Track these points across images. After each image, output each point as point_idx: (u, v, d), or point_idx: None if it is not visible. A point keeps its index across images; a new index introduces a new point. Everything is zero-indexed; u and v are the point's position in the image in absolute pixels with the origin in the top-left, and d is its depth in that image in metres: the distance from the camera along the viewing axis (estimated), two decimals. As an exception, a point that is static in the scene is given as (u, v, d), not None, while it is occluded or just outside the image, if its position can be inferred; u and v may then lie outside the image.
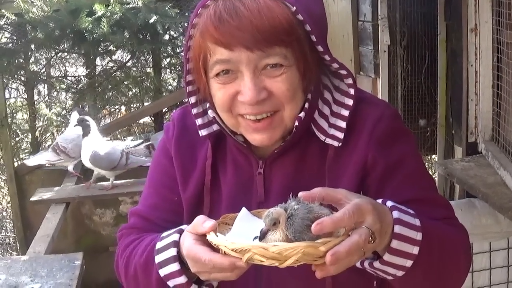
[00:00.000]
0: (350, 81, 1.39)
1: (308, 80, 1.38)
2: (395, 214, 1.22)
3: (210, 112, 1.43)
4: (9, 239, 7.05)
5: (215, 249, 1.22)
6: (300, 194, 1.18)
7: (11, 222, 6.70)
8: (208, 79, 1.37)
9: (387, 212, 1.22)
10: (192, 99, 1.45)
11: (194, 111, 1.45)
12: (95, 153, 4.81)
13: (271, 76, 1.31)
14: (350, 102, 1.40)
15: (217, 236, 1.21)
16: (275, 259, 1.11)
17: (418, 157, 1.46)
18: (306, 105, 1.38)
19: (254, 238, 1.21)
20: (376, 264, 1.24)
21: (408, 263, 1.22)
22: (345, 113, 1.40)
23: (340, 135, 1.39)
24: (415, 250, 1.22)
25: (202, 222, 1.25)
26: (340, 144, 1.39)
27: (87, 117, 4.99)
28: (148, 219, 1.53)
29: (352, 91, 1.40)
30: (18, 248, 6.12)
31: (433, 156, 4.54)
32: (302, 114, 1.37)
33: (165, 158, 1.55)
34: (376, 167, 1.38)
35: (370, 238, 1.13)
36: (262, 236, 1.17)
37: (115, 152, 4.97)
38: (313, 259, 1.12)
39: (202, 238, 1.26)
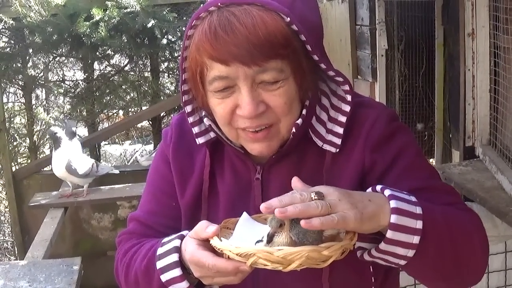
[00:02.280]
0: (346, 87, 1.39)
1: (305, 89, 1.38)
2: (387, 191, 1.23)
3: (205, 120, 1.43)
4: (7, 244, 7.03)
5: (218, 253, 1.23)
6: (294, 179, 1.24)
7: (9, 226, 6.69)
8: (206, 92, 1.37)
9: (368, 192, 1.26)
10: (188, 108, 1.45)
11: (190, 119, 1.46)
12: (70, 163, 4.85)
13: (268, 90, 1.32)
14: (347, 108, 1.40)
15: (221, 240, 1.22)
16: (279, 263, 1.12)
17: (416, 148, 1.45)
18: (304, 112, 1.39)
19: (256, 242, 1.23)
20: (382, 245, 1.22)
21: (415, 239, 1.20)
22: (342, 119, 1.40)
23: (338, 141, 1.39)
24: (418, 224, 1.20)
25: (205, 227, 1.26)
26: (337, 150, 1.40)
27: (57, 129, 5.02)
28: (147, 224, 1.54)
29: (349, 97, 1.39)
30: (16, 252, 6.12)
31: (431, 160, 4.55)
32: (299, 121, 1.37)
33: (163, 164, 1.56)
34: (374, 168, 1.38)
35: (313, 194, 1.16)
36: (270, 239, 1.19)
37: (88, 161, 5.05)
38: (316, 263, 1.14)
39: (204, 243, 1.27)
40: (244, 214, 1.34)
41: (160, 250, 1.37)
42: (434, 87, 4.21)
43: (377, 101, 1.92)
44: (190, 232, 1.31)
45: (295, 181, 1.25)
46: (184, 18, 5.89)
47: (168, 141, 1.55)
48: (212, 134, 1.46)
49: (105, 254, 5.59)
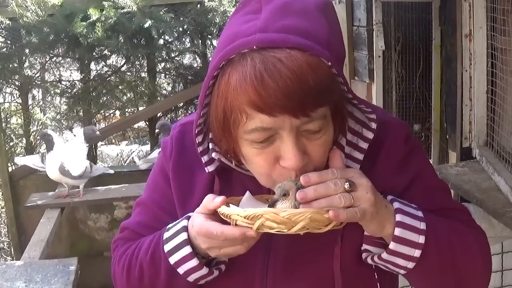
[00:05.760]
0: (373, 116, 1.33)
1: (343, 129, 1.35)
2: (396, 204, 1.26)
3: (214, 154, 1.37)
4: (3, 244, 7.03)
5: (225, 223, 1.25)
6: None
7: (6, 227, 6.69)
8: (238, 138, 1.27)
9: (386, 199, 1.27)
10: (199, 138, 1.38)
11: (200, 149, 1.39)
12: (63, 164, 4.86)
13: (311, 139, 1.24)
14: (370, 135, 1.35)
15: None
16: (284, 224, 1.16)
17: (431, 169, 1.46)
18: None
19: None
20: (384, 255, 1.27)
21: (416, 252, 1.25)
22: (364, 145, 1.36)
23: (357, 166, 1.36)
24: (420, 239, 1.24)
25: (212, 199, 1.27)
26: None
27: (50, 132, 5.04)
28: (141, 234, 1.51)
29: (373, 125, 1.34)
30: (13, 253, 6.11)
31: (428, 161, 4.55)
32: None
33: (162, 180, 1.51)
34: (394, 191, 1.37)
35: (347, 184, 1.18)
36: (272, 204, 1.22)
37: (81, 162, 5.05)
38: (318, 227, 1.17)
39: (211, 217, 1.28)
40: (247, 193, 1.35)
41: (166, 234, 1.37)
42: (431, 88, 4.21)
43: (388, 112, 1.89)
44: (197, 208, 1.31)
45: (335, 158, 1.26)
46: (181, 18, 5.89)
47: (168, 156, 1.50)
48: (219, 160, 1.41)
49: (102, 255, 5.59)
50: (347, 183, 1.18)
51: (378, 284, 1.41)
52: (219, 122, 1.26)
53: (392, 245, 1.24)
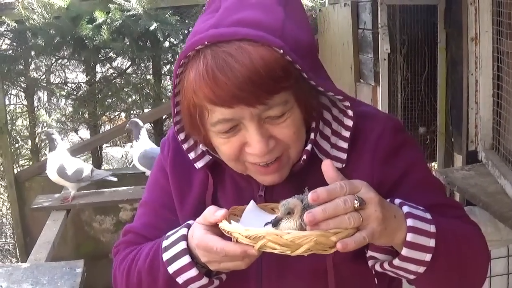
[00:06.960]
0: (347, 103, 1.36)
1: (310, 113, 1.36)
2: (405, 208, 1.23)
3: (201, 146, 1.40)
4: (9, 246, 7.04)
5: (226, 238, 1.23)
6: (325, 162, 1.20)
7: (11, 228, 6.70)
8: (208, 131, 1.33)
9: (394, 206, 1.24)
10: (181, 136, 1.42)
11: (185, 146, 1.42)
12: (63, 166, 4.85)
13: (275, 124, 1.28)
14: (349, 122, 1.37)
15: (230, 223, 1.23)
16: (287, 246, 1.12)
17: (423, 164, 1.45)
18: (312, 136, 1.37)
19: (264, 225, 1.22)
20: (396, 261, 1.24)
21: (427, 256, 1.22)
22: (346, 133, 1.37)
23: (343, 156, 1.37)
24: (431, 242, 1.22)
25: (214, 212, 1.26)
26: (343, 165, 1.37)
27: (53, 131, 5.03)
28: (145, 236, 1.51)
29: (350, 113, 1.36)
30: (18, 254, 6.12)
31: (433, 163, 4.56)
32: (309, 147, 1.35)
33: (162, 177, 1.53)
34: (384, 182, 1.37)
35: (356, 201, 1.13)
36: (276, 222, 1.18)
37: (82, 165, 5.04)
38: (323, 249, 1.14)
39: (212, 229, 1.26)
40: (252, 202, 1.34)
41: (165, 243, 1.35)
42: (436, 91, 4.21)
43: (381, 110, 1.89)
44: (198, 218, 1.30)
45: (328, 170, 1.20)
46: (187, 21, 5.90)
47: (166, 154, 1.53)
48: (210, 156, 1.43)
49: (107, 256, 5.59)
50: (357, 200, 1.14)
51: (375, 279, 1.41)
52: (187, 118, 1.33)
53: (404, 251, 1.21)
